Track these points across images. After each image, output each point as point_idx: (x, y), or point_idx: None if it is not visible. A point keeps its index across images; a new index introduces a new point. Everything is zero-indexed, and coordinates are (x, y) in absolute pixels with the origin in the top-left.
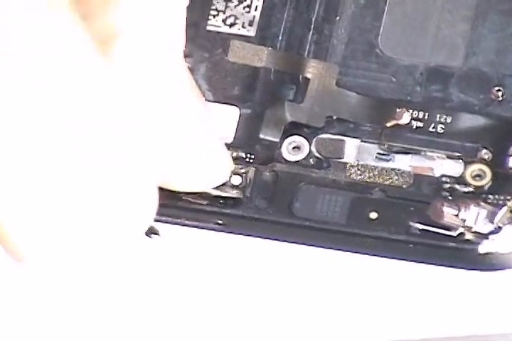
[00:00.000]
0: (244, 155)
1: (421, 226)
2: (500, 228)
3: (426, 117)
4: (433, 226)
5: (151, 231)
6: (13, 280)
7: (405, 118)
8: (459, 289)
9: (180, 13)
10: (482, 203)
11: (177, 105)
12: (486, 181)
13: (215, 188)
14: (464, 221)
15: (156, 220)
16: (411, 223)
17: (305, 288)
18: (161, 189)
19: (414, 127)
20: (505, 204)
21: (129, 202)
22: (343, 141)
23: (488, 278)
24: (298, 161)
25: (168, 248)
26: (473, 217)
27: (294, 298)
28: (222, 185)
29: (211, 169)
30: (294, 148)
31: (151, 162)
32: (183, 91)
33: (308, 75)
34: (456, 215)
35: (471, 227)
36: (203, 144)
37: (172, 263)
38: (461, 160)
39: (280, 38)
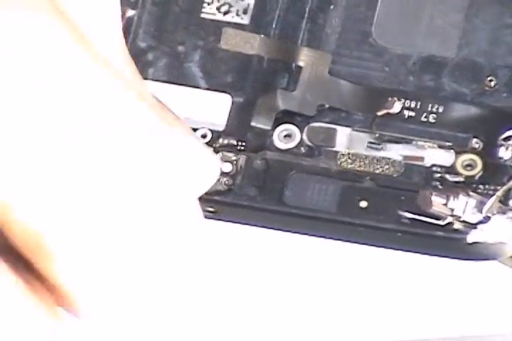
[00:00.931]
0: (235, 143)
1: (410, 215)
2: (488, 218)
3: (418, 107)
4: (422, 215)
5: None
6: None
7: (396, 107)
8: (458, 289)
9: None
10: (471, 192)
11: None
12: (476, 171)
13: None
14: (453, 210)
15: None
16: (400, 212)
17: (303, 288)
18: None
19: (406, 116)
20: (494, 195)
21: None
22: (334, 129)
23: (488, 278)
24: (289, 149)
25: None
26: (462, 207)
27: (293, 297)
28: None
29: (201, 171)
30: (285, 136)
31: None
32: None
33: (301, 63)
34: (445, 204)
35: (459, 217)
36: (183, 147)
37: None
38: (452, 150)
39: (274, 26)
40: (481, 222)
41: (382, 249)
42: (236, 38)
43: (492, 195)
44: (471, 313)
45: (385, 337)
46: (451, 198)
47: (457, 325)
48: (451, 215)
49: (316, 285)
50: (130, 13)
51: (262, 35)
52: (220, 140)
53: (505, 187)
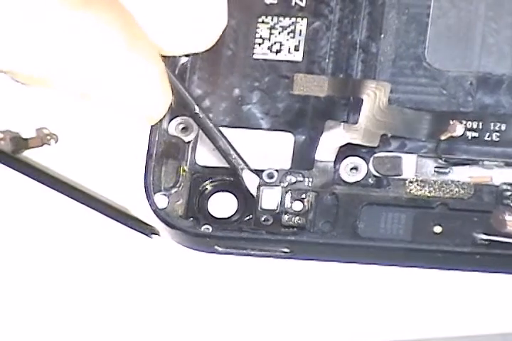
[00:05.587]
0: (302, 180)
1: (485, 237)
2: None
3: (480, 127)
4: (497, 236)
5: (151, 232)
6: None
7: (459, 129)
8: (458, 289)
9: None
10: None
11: None
12: None
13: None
14: None
15: (222, 253)
16: (475, 234)
17: (305, 287)
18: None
19: (470, 138)
20: None
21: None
22: (399, 157)
23: (487, 278)
24: (357, 182)
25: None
26: None
27: (294, 297)
28: (285, 213)
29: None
30: (351, 169)
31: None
32: None
33: (361, 95)
34: None
35: None
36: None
37: (173, 264)
38: None
39: (327, 60)
40: None
41: (461, 272)
42: (307, 83)
43: None
44: (471, 313)
45: (385, 336)
46: None
47: (457, 325)
48: None
49: (315, 285)
50: (183, 60)
51: (330, 76)
52: (288, 179)
53: None
